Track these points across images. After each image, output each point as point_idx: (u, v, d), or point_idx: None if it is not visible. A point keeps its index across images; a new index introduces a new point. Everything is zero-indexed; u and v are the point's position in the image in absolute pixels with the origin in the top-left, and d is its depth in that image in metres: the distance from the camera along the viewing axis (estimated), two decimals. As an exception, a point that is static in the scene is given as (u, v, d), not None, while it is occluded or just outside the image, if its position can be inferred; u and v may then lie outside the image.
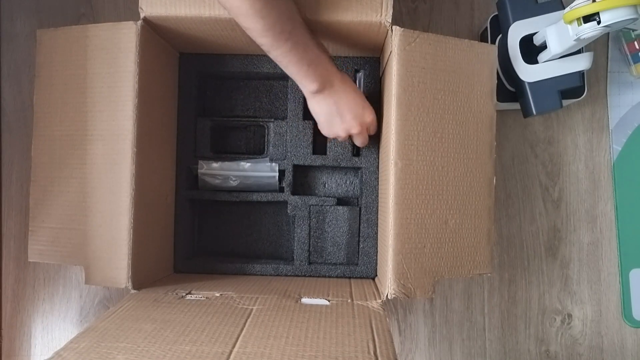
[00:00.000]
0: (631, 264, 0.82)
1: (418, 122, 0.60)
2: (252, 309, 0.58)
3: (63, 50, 0.64)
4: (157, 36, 0.67)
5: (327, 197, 0.76)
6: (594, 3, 0.59)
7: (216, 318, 0.55)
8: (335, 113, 0.65)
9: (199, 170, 0.76)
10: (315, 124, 0.75)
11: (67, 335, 0.83)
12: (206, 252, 0.80)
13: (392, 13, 0.61)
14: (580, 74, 0.71)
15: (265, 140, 0.78)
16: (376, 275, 0.74)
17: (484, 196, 0.63)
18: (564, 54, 0.69)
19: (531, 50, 0.72)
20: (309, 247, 0.75)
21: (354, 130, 0.66)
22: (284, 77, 0.76)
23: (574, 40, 0.64)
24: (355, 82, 0.75)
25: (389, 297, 0.60)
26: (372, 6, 0.61)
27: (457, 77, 0.62)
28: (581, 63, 0.70)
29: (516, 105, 0.75)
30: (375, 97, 0.73)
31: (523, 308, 0.83)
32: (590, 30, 0.61)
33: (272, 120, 0.77)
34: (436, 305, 0.83)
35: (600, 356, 0.82)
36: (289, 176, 0.75)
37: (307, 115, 0.75)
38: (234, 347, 0.48)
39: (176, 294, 0.63)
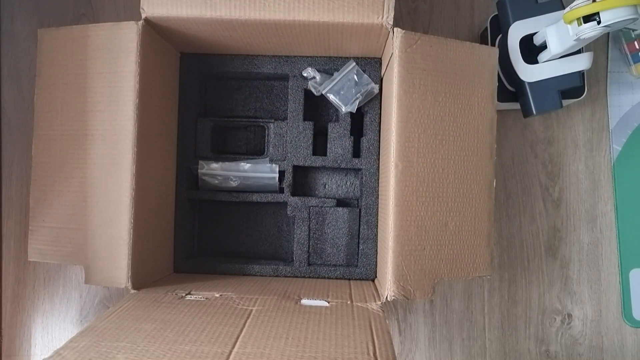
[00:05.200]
0: (631, 264, 0.82)
1: (419, 124, 0.60)
2: (251, 310, 0.58)
3: (63, 50, 0.64)
4: (158, 36, 0.67)
5: (327, 198, 0.76)
6: (594, 3, 0.59)
7: (216, 318, 0.55)
8: None
9: (199, 171, 0.76)
10: (315, 124, 0.75)
11: (67, 335, 0.83)
12: (206, 252, 0.80)
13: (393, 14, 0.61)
14: (580, 74, 0.71)
15: (266, 140, 0.78)
16: (376, 277, 0.74)
17: (484, 198, 0.63)
18: (564, 54, 0.69)
19: (531, 50, 0.72)
20: (309, 248, 0.75)
21: None
22: (285, 78, 0.76)
23: (574, 40, 0.64)
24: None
25: (388, 298, 0.60)
26: (373, 8, 0.61)
27: (458, 79, 0.62)
28: (581, 63, 0.70)
29: (516, 105, 0.75)
30: (376, 99, 0.73)
31: (523, 308, 0.83)
32: (590, 30, 0.61)
33: (272, 120, 0.77)
34: (436, 305, 0.83)
35: (600, 356, 0.82)
36: (288, 177, 0.75)
37: (307, 115, 0.75)
38: (233, 347, 0.48)
39: (176, 294, 0.63)
